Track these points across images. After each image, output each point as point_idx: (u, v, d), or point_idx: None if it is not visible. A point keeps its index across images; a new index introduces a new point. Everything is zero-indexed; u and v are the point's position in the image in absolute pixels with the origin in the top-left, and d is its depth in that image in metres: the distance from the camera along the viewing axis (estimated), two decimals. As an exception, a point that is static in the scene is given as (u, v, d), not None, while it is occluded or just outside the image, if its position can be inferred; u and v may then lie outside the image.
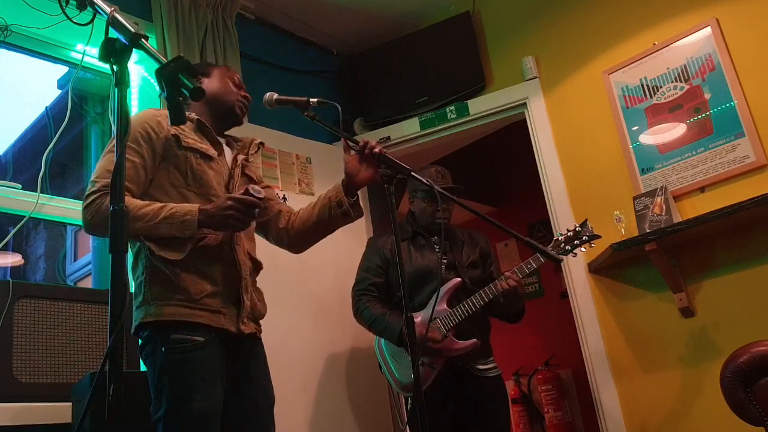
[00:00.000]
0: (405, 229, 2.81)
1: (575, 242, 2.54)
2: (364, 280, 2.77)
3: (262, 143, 2.13)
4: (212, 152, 1.92)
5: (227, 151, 2.02)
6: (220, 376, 1.75)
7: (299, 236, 2.04)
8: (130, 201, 1.70)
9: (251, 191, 1.70)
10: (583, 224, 2.57)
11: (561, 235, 2.58)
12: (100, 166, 1.79)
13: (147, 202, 1.75)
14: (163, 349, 1.69)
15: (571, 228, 2.57)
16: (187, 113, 1.96)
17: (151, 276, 1.75)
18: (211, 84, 2.00)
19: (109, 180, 1.64)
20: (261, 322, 1.96)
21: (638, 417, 2.86)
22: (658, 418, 2.81)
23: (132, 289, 1.83)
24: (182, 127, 1.88)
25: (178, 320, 1.71)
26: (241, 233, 1.88)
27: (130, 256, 2.00)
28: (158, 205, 1.72)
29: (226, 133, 2.09)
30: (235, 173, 1.97)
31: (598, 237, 2.56)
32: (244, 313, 1.83)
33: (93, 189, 1.73)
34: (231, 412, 1.79)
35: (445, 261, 2.69)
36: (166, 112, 1.89)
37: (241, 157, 2.02)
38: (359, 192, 2.01)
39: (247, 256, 1.91)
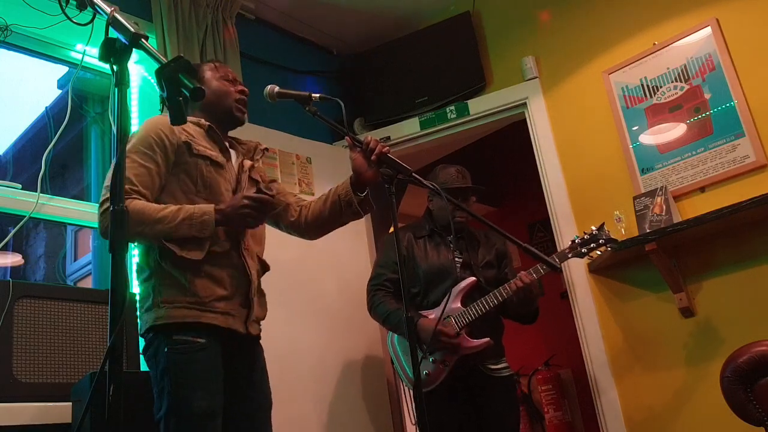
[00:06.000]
0: (422, 227, 2.82)
1: (591, 245, 2.53)
2: (380, 276, 2.77)
3: (266, 149, 2.15)
4: (221, 159, 1.93)
5: (232, 155, 2.03)
6: (221, 377, 1.77)
7: (313, 228, 2.09)
8: (148, 205, 1.74)
9: (264, 189, 1.76)
10: (600, 228, 2.56)
11: (578, 237, 2.57)
12: (111, 174, 1.79)
13: (164, 205, 1.77)
14: (166, 350, 1.72)
15: (588, 231, 2.57)
16: (197, 118, 1.98)
17: (161, 281, 1.78)
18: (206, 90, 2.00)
19: (127, 187, 1.71)
20: (262, 323, 1.98)
21: (638, 417, 2.86)
22: (658, 418, 2.81)
23: (139, 293, 1.86)
24: (192, 133, 1.90)
25: (187, 322, 1.74)
26: (249, 237, 1.91)
27: (130, 258, 2.00)
28: (175, 207, 1.75)
29: (230, 134, 2.09)
30: (242, 179, 1.98)
31: (614, 241, 2.55)
32: (252, 315, 1.87)
33: (105, 197, 1.74)
34: (233, 414, 1.82)
35: (460, 260, 2.70)
36: None
37: (247, 162, 2.02)
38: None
39: (256, 259, 1.95)
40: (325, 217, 2.03)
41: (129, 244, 1.67)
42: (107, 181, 1.78)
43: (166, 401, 1.70)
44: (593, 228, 2.56)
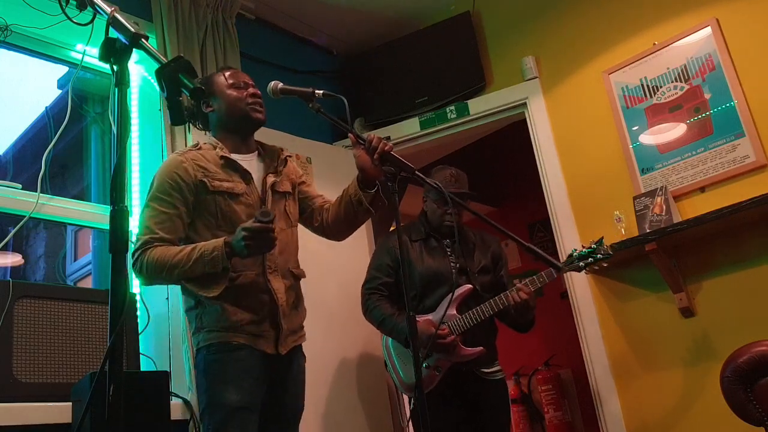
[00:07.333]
0: (418, 229, 2.79)
1: (589, 259, 2.53)
2: (375, 279, 2.76)
3: (289, 156, 2.16)
4: (240, 188, 1.95)
5: (259, 167, 2.05)
6: (257, 375, 1.85)
7: (335, 231, 2.14)
8: (165, 251, 1.81)
9: (259, 217, 1.75)
10: (599, 242, 2.55)
11: (576, 250, 2.57)
12: (140, 222, 1.89)
13: (180, 247, 1.84)
14: (204, 353, 1.87)
15: (587, 245, 2.56)
16: (213, 143, 2.00)
17: (203, 309, 1.89)
18: (216, 103, 2.02)
19: (148, 237, 1.81)
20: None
21: (638, 417, 2.86)
22: (658, 418, 2.81)
23: (187, 319, 2.01)
24: (206, 166, 1.93)
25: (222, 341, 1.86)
26: (276, 255, 1.94)
27: (130, 259, 2.02)
28: (189, 248, 1.82)
29: (256, 140, 2.11)
30: (267, 199, 1.99)
31: (610, 256, 2.55)
32: (282, 336, 1.91)
33: (135, 247, 1.84)
34: (268, 418, 1.91)
35: (456, 265, 2.68)
36: (191, 154, 1.95)
37: (270, 179, 2.02)
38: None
39: (288, 274, 1.98)
40: (341, 219, 2.07)
41: (129, 243, 1.67)
42: (138, 231, 1.88)
43: (204, 397, 1.84)
44: (592, 243, 2.56)
